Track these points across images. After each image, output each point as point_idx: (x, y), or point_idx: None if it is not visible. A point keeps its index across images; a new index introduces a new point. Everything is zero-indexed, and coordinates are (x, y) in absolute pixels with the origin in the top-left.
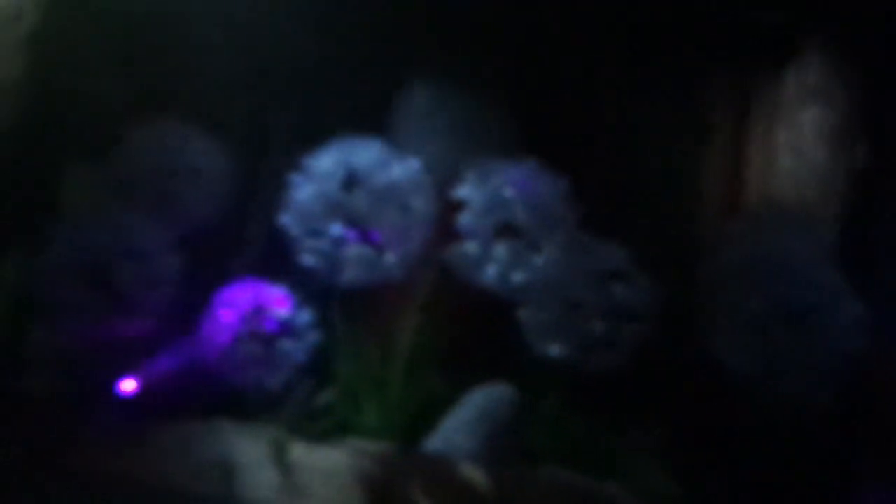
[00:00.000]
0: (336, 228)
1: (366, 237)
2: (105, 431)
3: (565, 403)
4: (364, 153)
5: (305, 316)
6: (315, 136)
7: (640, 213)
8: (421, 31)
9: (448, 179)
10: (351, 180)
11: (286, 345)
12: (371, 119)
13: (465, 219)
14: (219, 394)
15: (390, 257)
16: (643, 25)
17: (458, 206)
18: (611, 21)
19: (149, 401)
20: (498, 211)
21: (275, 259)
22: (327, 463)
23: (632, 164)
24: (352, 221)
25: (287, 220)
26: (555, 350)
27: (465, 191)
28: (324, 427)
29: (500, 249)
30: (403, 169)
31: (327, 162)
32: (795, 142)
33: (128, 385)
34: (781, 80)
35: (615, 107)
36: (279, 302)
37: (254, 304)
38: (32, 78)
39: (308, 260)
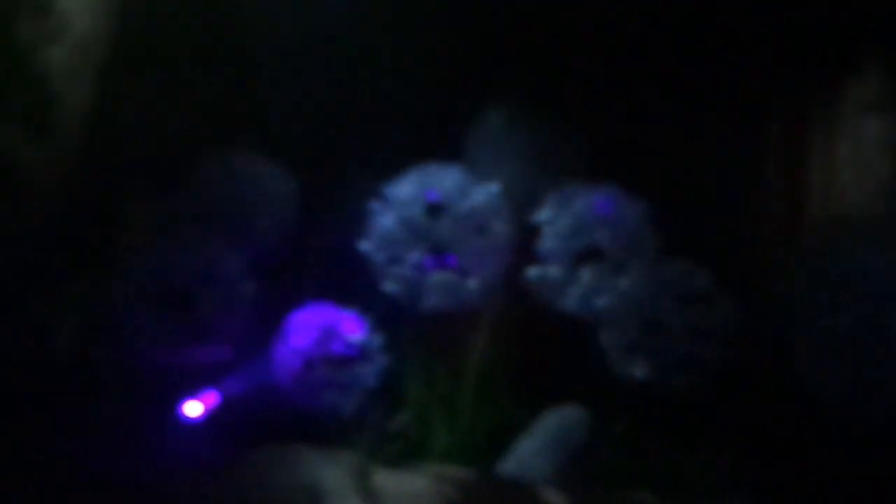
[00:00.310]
0: (419, 255)
1: (448, 263)
2: (185, 457)
3: (637, 424)
4: (444, 179)
5: (376, 339)
6: (391, 162)
7: (706, 231)
8: (496, 57)
9: (523, 203)
10: (432, 207)
11: (357, 368)
12: (447, 145)
13: (547, 243)
14: (292, 417)
15: (473, 282)
16: (706, 45)
17: (534, 229)
18: (674, 41)
19: (221, 424)
20: (581, 235)
21: (346, 283)
22: (410, 488)
23: (696, 181)
24: (434, 248)
25: (369, 247)
26: (637, 371)
27: (546, 215)
28: (399, 451)
29: (584, 273)
30: (483, 194)
31: (408, 189)
32: (857, 156)
33: (196, 408)
34: (841, 94)
35: (678, 126)
36: (350, 326)
37: (325, 327)
38: (105, 106)
39: (391, 286)
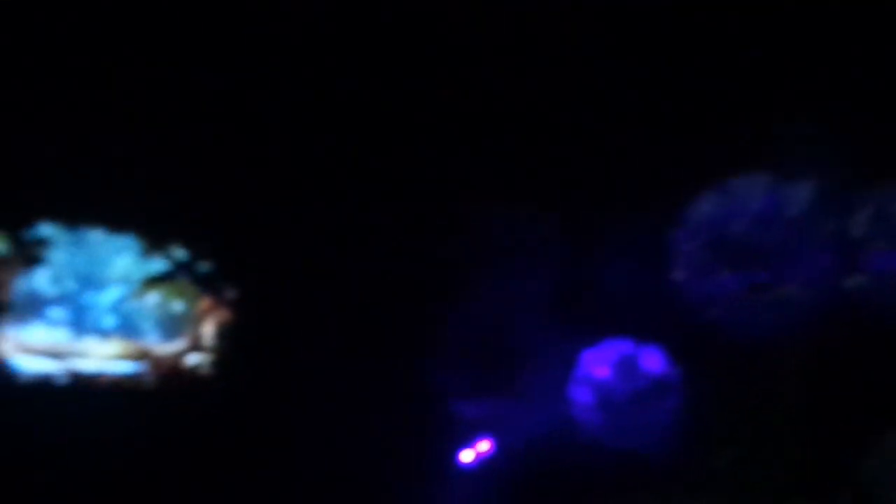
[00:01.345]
0: (735, 276)
1: (768, 280)
2: None
3: None
4: (749, 193)
5: (679, 372)
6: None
7: None
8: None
9: (837, 212)
10: (742, 222)
11: (662, 404)
12: (754, 155)
13: (872, 250)
14: (598, 461)
15: (799, 297)
16: None
17: (854, 238)
18: None
19: (505, 472)
20: None
21: (645, 315)
22: None
23: None
24: (750, 266)
25: (680, 274)
26: None
27: (868, 221)
28: (730, 493)
29: None
30: (797, 203)
31: (712, 208)
32: None
33: (469, 455)
34: None
35: None
36: (651, 359)
37: (624, 362)
38: None
39: (713, 313)
